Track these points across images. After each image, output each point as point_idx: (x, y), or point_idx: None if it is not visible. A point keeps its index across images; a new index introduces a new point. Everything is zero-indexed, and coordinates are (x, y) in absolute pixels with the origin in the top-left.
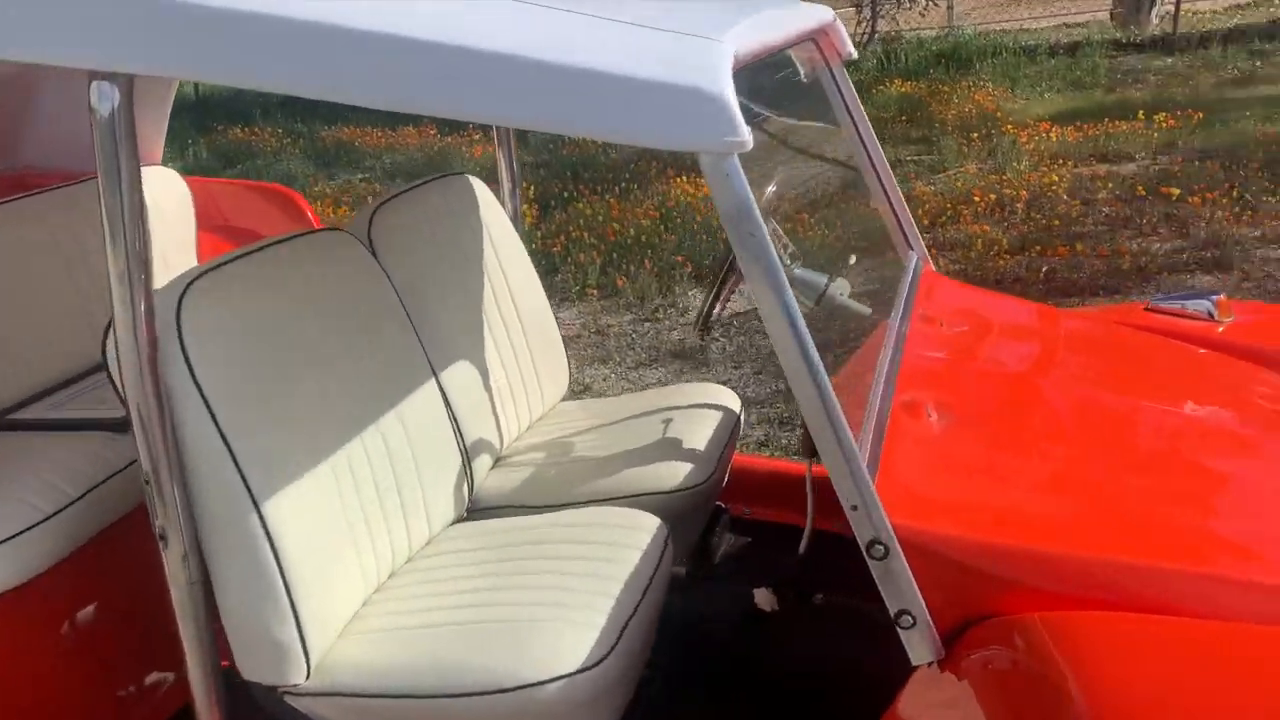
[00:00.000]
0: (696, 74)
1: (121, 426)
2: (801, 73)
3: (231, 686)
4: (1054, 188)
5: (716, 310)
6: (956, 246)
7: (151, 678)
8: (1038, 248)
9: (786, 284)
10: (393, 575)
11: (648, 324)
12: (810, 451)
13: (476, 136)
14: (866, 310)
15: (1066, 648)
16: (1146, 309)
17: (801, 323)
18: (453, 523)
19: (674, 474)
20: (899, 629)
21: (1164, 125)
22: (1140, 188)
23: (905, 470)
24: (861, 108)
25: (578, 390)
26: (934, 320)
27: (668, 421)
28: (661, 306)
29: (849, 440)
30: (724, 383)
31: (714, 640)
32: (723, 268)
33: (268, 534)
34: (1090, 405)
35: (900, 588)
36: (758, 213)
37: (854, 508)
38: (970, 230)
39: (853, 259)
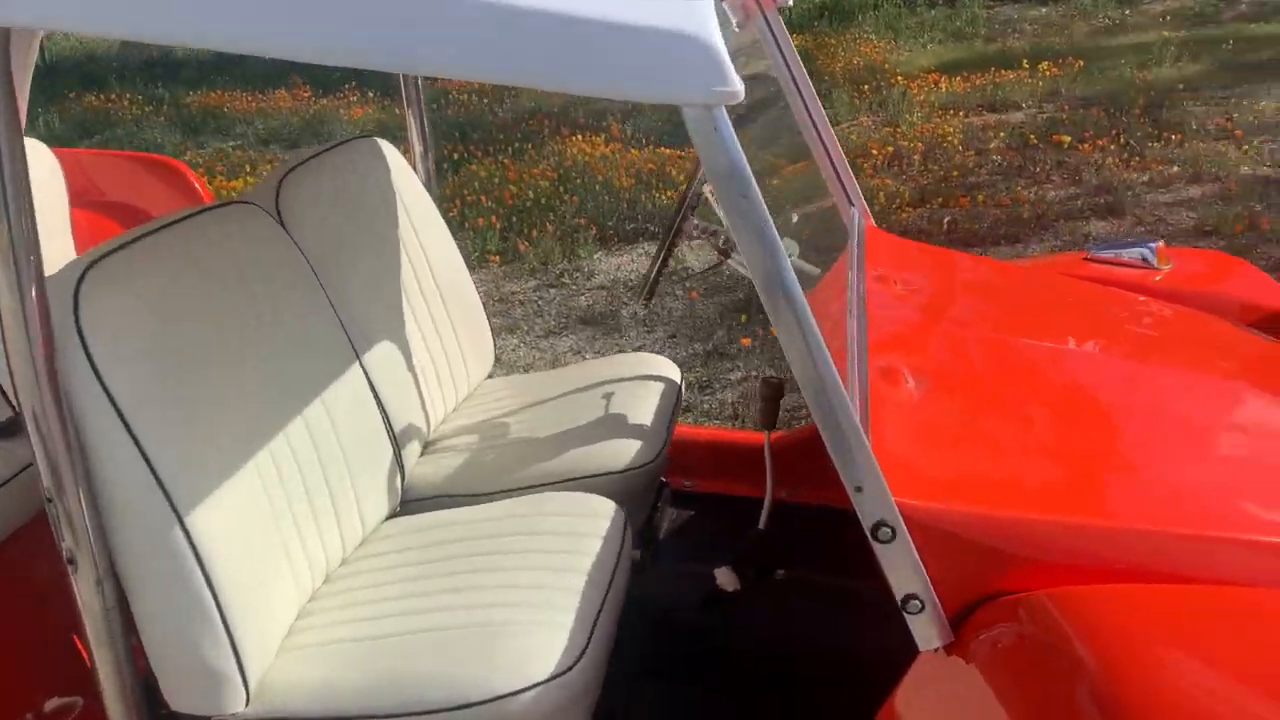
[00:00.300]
0: (678, 17)
1: (8, 431)
2: (734, 21)
3: (153, 708)
4: (948, 138)
5: (655, 273)
6: None
7: (55, 704)
8: (939, 199)
9: (783, 252)
10: (327, 581)
11: (553, 290)
12: (769, 423)
13: (354, 98)
14: (816, 271)
15: (1077, 623)
16: (1086, 259)
17: (800, 295)
18: (386, 518)
19: (623, 452)
20: (906, 614)
21: (1047, 74)
22: (1031, 136)
23: (897, 443)
24: (798, 57)
25: None
26: (888, 280)
27: (608, 396)
28: (566, 271)
29: (853, 420)
30: (638, 348)
31: (680, 626)
32: (668, 230)
33: (193, 548)
34: (1058, 361)
35: (908, 571)
36: (750, 172)
37: (858, 489)
38: (871, 183)
39: (795, 218)
